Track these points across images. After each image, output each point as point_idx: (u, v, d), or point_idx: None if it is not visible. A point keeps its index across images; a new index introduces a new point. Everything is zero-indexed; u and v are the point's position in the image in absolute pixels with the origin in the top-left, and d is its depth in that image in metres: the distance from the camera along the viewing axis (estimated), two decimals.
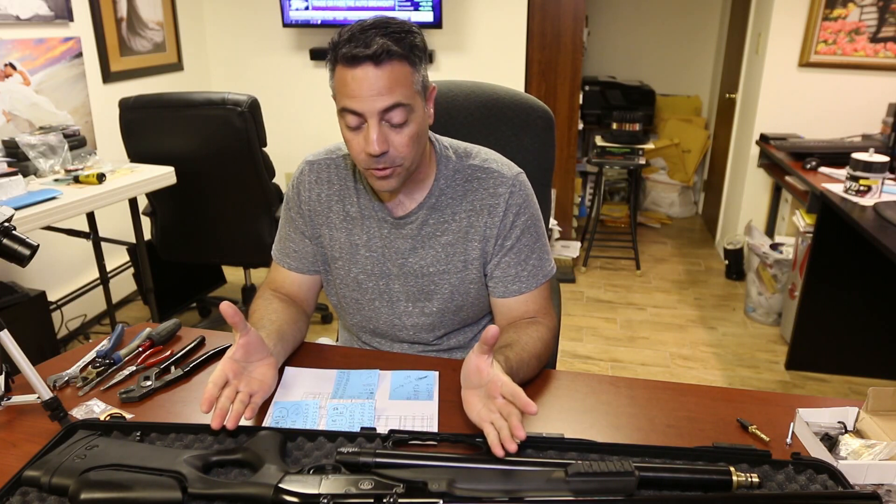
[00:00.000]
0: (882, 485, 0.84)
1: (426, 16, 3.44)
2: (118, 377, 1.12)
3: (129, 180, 2.34)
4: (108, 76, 3.13)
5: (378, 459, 0.83)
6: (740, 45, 3.88)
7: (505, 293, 1.21)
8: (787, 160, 3.00)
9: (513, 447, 0.85)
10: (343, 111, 1.04)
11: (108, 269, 2.85)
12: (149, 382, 1.09)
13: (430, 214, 1.19)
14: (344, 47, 1.00)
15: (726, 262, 3.81)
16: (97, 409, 1.03)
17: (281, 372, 1.11)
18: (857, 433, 0.95)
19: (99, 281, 2.76)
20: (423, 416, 1.01)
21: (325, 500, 0.77)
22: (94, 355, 1.17)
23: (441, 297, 1.22)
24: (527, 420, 1.02)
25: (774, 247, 3.13)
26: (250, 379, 0.99)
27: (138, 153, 2.59)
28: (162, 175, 2.45)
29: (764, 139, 3.39)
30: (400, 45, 1.01)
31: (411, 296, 1.23)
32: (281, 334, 1.12)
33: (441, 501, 0.77)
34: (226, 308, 0.95)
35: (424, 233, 1.19)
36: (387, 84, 1.00)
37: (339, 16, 3.57)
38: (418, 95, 1.06)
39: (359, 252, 1.22)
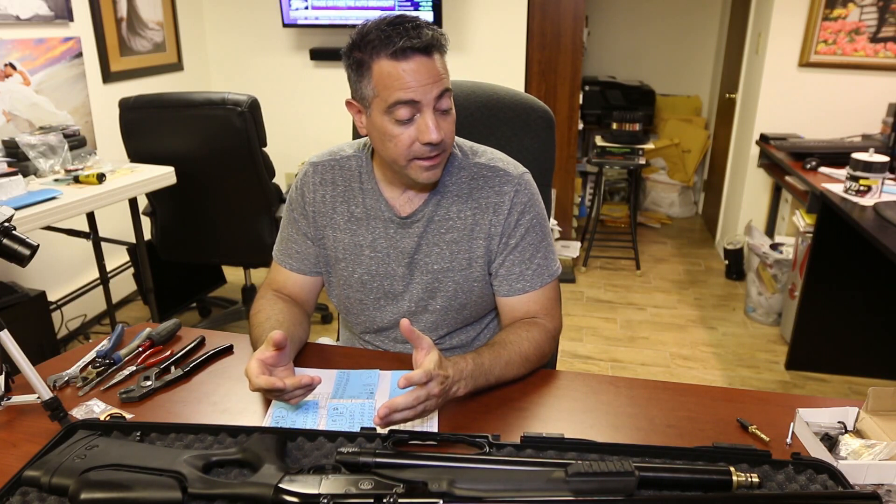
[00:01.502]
0: (882, 485, 0.84)
1: (426, 15, 3.44)
2: (118, 377, 1.12)
3: (129, 180, 2.34)
4: (108, 76, 3.13)
5: (378, 459, 0.83)
6: (740, 45, 3.88)
7: (509, 292, 1.21)
8: (787, 160, 2.99)
9: (375, 420, 0.91)
10: (396, 105, 1.04)
11: (108, 269, 2.85)
12: (149, 382, 1.09)
13: (436, 211, 1.19)
14: (391, 44, 1.01)
15: (726, 262, 3.81)
16: (97, 409, 1.03)
17: None
18: (857, 433, 0.95)
19: (99, 281, 2.76)
20: None
21: (325, 500, 0.77)
22: (94, 355, 1.17)
23: (445, 295, 1.22)
24: (527, 420, 1.03)
25: (774, 247, 3.13)
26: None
27: (138, 153, 2.59)
28: (162, 175, 2.45)
29: (764, 139, 3.39)
30: (441, 35, 1.05)
31: (415, 294, 1.23)
32: (290, 336, 1.13)
33: (441, 501, 0.77)
34: (280, 339, 0.99)
35: (430, 230, 1.19)
36: (437, 73, 1.04)
37: (339, 15, 3.57)
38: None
39: (363, 253, 1.22)
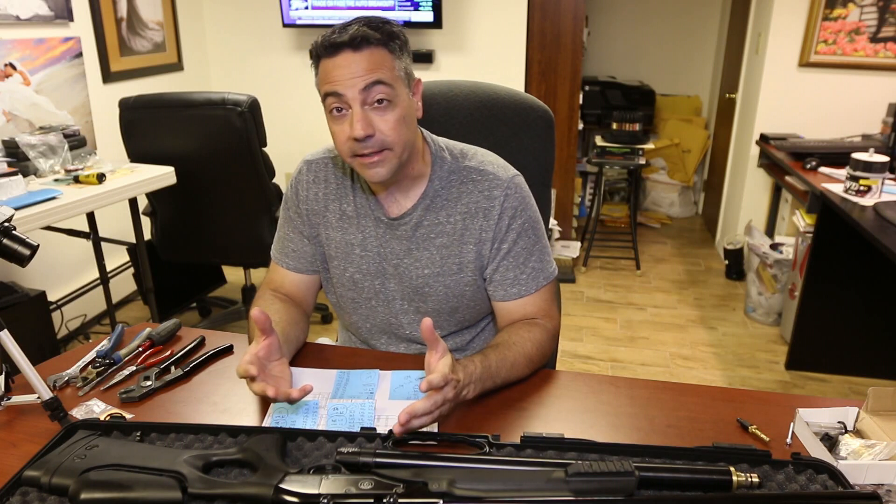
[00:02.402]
0: (882, 485, 0.84)
1: (426, 16, 3.44)
2: (118, 377, 1.12)
3: (129, 180, 2.34)
4: (108, 76, 3.13)
5: (378, 459, 0.83)
6: (740, 45, 3.88)
7: (505, 297, 1.21)
8: (787, 160, 3.00)
9: (395, 428, 0.90)
10: (326, 97, 1.06)
11: (108, 269, 2.85)
12: (149, 382, 1.09)
13: (425, 215, 1.18)
14: (324, 40, 1.05)
15: (726, 262, 3.81)
16: (97, 409, 1.03)
17: None
18: (857, 433, 0.95)
19: (99, 281, 2.76)
20: None
21: (325, 500, 0.77)
22: (94, 355, 1.17)
23: (436, 299, 1.22)
24: (527, 420, 1.03)
25: (774, 247, 3.13)
26: (270, 375, 1.01)
27: (138, 153, 2.59)
28: (162, 175, 2.45)
29: (764, 139, 3.39)
30: (377, 31, 1.05)
31: (406, 295, 1.23)
32: (286, 336, 1.13)
33: (441, 501, 0.77)
34: (257, 314, 0.98)
35: (419, 234, 1.19)
36: (366, 66, 1.04)
37: (339, 16, 3.57)
38: (401, 81, 1.08)
39: (354, 251, 1.22)
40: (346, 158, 1.10)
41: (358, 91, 1.03)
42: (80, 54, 2.94)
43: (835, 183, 2.59)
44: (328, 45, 1.04)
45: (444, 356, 0.97)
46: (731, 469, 0.83)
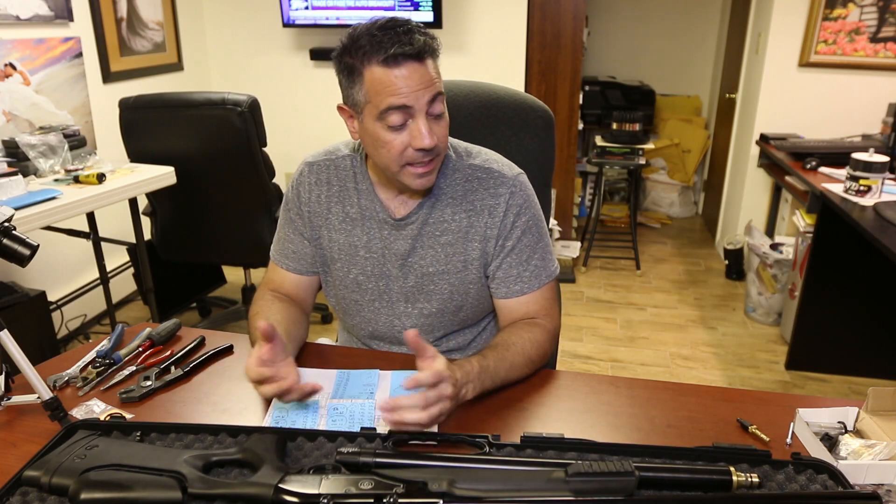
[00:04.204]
0: (882, 485, 0.84)
1: (426, 16, 3.44)
2: (118, 377, 1.12)
3: (129, 180, 2.34)
4: (108, 76, 3.13)
5: (378, 459, 0.83)
6: (740, 45, 3.88)
7: (507, 294, 1.21)
8: (787, 160, 3.00)
9: (385, 416, 0.90)
10: (388, 111, 1.03)
11: (108, 269, 2.85)
12: (149, 382, 1.09)
13: (431, 214, 1.19)
14: (382, 50, 1.00)
15: (726, 262, 3.81)
16: (97, 409, 1.03)
17: None
18: (857, 433, 0.95)
19: (99, 281, 2.76)
20: None
21: (325, 500, 0.77)
22: (94, 355, 1.17)
23: (440, 298, 1.22)
24: (527, 420, 1.03)
25: (774, 247, 3.13)
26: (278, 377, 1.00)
27: (138, 153, 2.59)
28: (162, 175, 2.45)
29: (764, 139, 3.39)
30: (432, 40, 1.04)
31: (410, 296, 1.23)
32: (289, 334, 1.13)
33: (441, 501, 0.77)
34: (265, 326, 0.97)
35: (425, 232, 1.19)
36: (429, 78, 1.04)
37: (339, 15, 3.56)
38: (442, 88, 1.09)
39: (358, 253, 1.22)
40: (393, 167, 1.08)
41: (425, 103, 1.03)
42: (80, 54, 2.94)
43: (835, 183, 2.59)
44: (394, 56, 1.00)
45: (435, 358, 0.96)
46: (731, 469, 0.83)
